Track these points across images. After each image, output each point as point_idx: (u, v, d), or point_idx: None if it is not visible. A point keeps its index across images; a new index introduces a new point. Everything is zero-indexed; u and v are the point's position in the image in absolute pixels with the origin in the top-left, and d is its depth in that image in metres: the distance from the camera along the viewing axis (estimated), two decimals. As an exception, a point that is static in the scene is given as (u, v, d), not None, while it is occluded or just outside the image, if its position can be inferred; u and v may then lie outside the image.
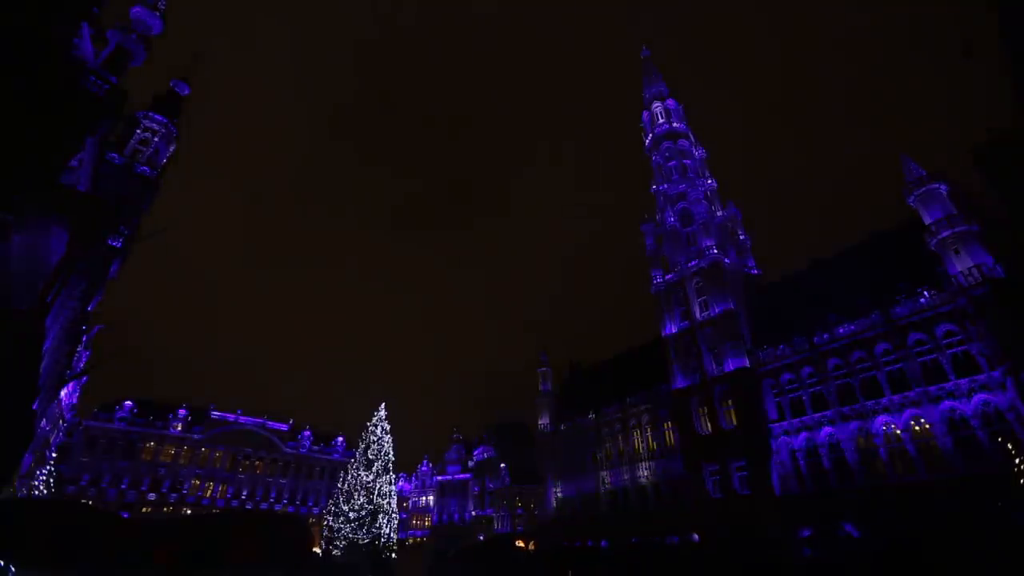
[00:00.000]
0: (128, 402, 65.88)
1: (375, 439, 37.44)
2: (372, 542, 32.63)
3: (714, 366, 41.85)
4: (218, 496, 67.36)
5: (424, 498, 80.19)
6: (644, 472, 46.33)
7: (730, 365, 40.13)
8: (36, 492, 36.08)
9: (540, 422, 63.83)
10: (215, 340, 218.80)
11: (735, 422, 38.57)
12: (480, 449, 74.51)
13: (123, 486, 60.91)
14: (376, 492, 35.02)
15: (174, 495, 63.74)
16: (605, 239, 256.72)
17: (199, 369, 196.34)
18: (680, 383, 44.22)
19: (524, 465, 64.14)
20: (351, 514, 34.19)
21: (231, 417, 72.92)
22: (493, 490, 67.00)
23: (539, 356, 68.71)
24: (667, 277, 48.92)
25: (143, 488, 62.41)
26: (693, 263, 46.76)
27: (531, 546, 52.13)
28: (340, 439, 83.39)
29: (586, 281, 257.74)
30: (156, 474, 64.13)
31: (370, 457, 36.49)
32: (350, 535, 33.36)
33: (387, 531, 34.26)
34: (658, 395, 46.92)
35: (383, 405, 39.75)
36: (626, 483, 47.51)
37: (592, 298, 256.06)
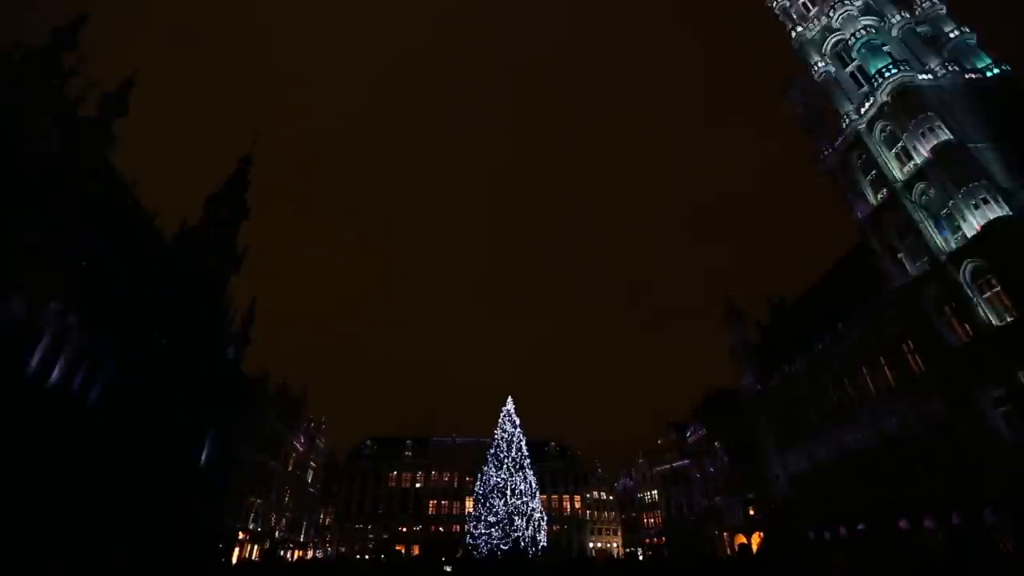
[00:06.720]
0: (368, 440, 77.92)
1: (503, 434, 34.14)
2: (513, 548, 28.87)
3: (947, 234, 26.37)
4: (454, 512, 72.90)
5: (650, 493, 72.64)
6: (890, 419, 31.46)
7: (976, 222, 24.55)
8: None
9: (744, 383, 51.32)
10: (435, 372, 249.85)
11: (1009, 307, 22.93)
12: (691, 429, 64.07)
13: (378, 511, 71.31)
14: (510, 492, 31.39)
15: (417, 515, 71.69)
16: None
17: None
18: (900, 278, 29.28)
19: (740, 438, 52.01)
20: (490, 518, 31.24)
21: (448, 441, 79.24)
22: (713, 473, 56.22)
23: (726, 305, 56.09)
24: (837, 142, 34.10)
25: (394, 511, 71.89)
26: (870, 101, 31.45)
27: (760, 537, 40.85)
28: (553, 445, 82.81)
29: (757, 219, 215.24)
30: (401, 497, 73.33)
31: (500, 456, 33.24)
32: (492, 542, 30.34)
33: (529, 534, 30.10)
34: (876, 306, 32.04)
35: (508, 399, 36.43)
36: (868, 440, 33.09)
37: (768, 235, 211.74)
